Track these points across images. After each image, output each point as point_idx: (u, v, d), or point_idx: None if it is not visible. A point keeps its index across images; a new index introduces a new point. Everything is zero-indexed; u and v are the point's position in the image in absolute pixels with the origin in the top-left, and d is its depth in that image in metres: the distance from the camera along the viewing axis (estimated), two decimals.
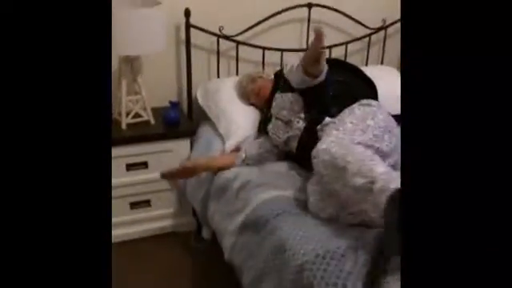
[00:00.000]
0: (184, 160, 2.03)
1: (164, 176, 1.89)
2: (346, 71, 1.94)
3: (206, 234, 2.19)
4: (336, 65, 1.89)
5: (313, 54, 1.54)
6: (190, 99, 2.28)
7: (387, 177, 1.25)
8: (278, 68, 2.32)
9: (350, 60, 2.37)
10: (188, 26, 2.14)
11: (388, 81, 2.11)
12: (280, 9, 2.29)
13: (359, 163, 1.32)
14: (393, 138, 1.58)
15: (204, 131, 2.13)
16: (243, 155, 1.84)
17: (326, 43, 1.55)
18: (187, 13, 2.11)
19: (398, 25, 2.58)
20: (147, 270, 2.01)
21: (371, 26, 2.50)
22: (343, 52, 2.49)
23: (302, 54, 2.36)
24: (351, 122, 1.57)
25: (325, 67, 1.64)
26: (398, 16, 2.48)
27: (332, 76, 1.82)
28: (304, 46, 2.43)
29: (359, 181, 1.28)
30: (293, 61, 1.80)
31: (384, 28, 2.54)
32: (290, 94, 1.81)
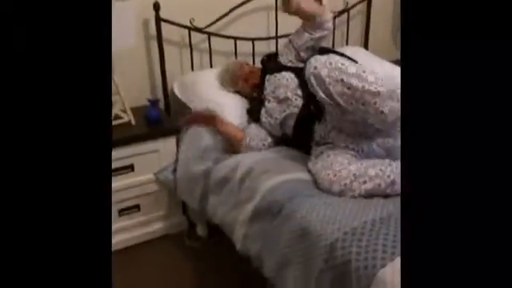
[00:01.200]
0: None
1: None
2: (328, 53, 1.97)
3: (200, 231, 2.15)
4: (320, 50, 1.92)
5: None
6: (167, 95, 2.21)
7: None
8: (250, 58, 2.34)
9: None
10: (158, 19, 2.06)
11: (360, 59, 2.15)
12: None
13: (373, 74, 1.45)
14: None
15: (188, 127, 2.07)
16: (247, 140, 1.82)
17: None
18: (156, 6, 2.04)
19: (360, 6, 2.66)
20: (145, 277, 1.93)
21: (335, 10, 2.54)
22: None
23: (272, 42, 2.40)
24: None
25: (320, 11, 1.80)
26: None
27: None
28: (273, 34, 2.43)
29: (380, 89, 1.42)
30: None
31: (347, 10, 2.60)
32: (283, 73, 1.82)
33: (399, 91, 1.43)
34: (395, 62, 2.46)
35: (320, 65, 1.44)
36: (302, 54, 1.88)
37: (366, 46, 2.74)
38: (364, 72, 1.43)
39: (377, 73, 1.53)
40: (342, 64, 1.44)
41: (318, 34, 1.87)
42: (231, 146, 1.85)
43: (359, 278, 1.17)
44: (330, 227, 1.31)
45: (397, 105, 1.44)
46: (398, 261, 1.13)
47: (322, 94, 1.46)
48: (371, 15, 2.70)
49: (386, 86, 1.44)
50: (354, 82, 1.41)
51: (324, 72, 1.43)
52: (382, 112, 1.43)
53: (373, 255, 1.17)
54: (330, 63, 1.44)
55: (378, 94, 1.41)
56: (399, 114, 1.43)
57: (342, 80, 1.42)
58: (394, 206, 1.36)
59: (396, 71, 2.32)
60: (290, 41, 1.93)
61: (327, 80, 1.43)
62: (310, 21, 1.83)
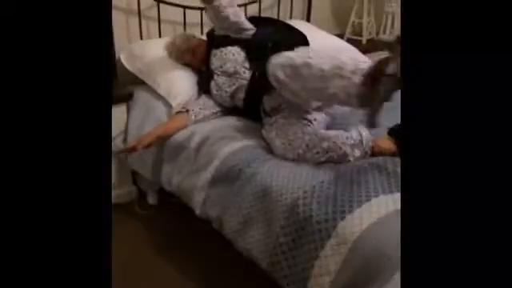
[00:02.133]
0: (134, 134, 1.96)
1: (121, 152, 1.89)
2: (275, 25, 2.04)
3: (151, 200, 2.17)
4: (262, 20, 1.97)
5: None
6: (115, 63, 2.16)
7: (354, 61, 1.35)
8: (198, 28, 2.34)
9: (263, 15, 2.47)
10: None
11: (304, 32, 2.24)
12: None
13: (320, 56, 1.41)
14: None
15: (139, 95, 2.05)
16: (193, 117, 1.83)
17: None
18: None
19: None
20: None
21: None
22: (257, 9, 2.56)
23: None
24: None
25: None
26: None
27: (263, 29, 1.91)
28: None
29: (324, 68, 1.36)
30: None
31: None
32: (230, 47, 1.85)
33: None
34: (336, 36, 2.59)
35: (275, 68, 1.49)
36: (224, 27, 1.90)
37: (308, 20, 2.83)
38: (310, 58, 1.42)
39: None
40: (290, 58, 1.46)
41: (211, 10, 1.84)
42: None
43: (320, 230, 1.26)
44: (290, 187, 1.39)
45: (342, 81, 1.36)
46: (356, 213, 1.24)
47: (290, 96, 1.54)
48: None
49: (332, 59, 1.40)
50: (304, 72, 1.42)
51: (280, 75, 1.48)
52: (334, 94, 1.40)
53: (333, 209, 1.27)
54: (282, 64, 1.47)
55: (323, 76, 1.38)
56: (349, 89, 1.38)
57: (296, 75, 1.44)
58: (346, 167, 1.47)
59: (340, 43, 2.45)
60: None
61: (286, 80, 1.48)
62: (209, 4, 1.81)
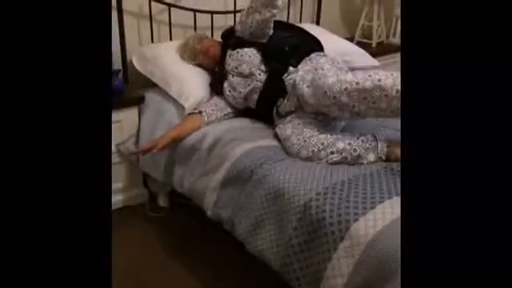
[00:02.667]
0: (147, 136, 1.96)
1: (135, 153, 1.91)
2: (290, 29, 2.05)
3: (162, 202, 2.18)
4: (277, 24, 1.98)
5: None
6: (126, 66, 2.18)
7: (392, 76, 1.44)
8: (208, 31, 2.35)
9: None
10: None
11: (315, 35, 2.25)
12: None
13: (389, 77, 1.45)
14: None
15: (151, 98, 2.06)
16: (206, 119, 1.84)
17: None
18: None
19: None
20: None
21: None
22: None
23: (230, 16, 2.42)
24: (325, 64, 1.74)
25: None
26: None
27: (279, 33, 1.92)
28: (230, 8, 2.45)
29: (367, 83, 1.44)
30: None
31: None
32: (246, 49, 1.86)
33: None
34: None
35: (338, 93, 1.49)
36: (253, 30, 1.88)
37: (317, 23, 2.84)
38: (379, 80, 1.44)
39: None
40: (357, 83, 1.47)
41: (268, 14, 1.81)
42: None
43: (333, 232, 1.26)
44: (302, 188, 1.39)
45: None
46: (369, 215, 1.24)
47: (346, 115, 1.56)
48: None
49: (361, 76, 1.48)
50: (377, 94, 1.45)
51: (344, 98, 1.49)
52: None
53: (346, 211, 1.27)
54: (346, 88, 1.48)
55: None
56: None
57: (365, 98, 1.47)
58: (359, 169, 1.47)
59: (351, 46, 2.46)
60: (240, 21, 1.91)
61: (350, 104, 1.49)
62: None
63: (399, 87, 1.42)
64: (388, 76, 1.45)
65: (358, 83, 1.46)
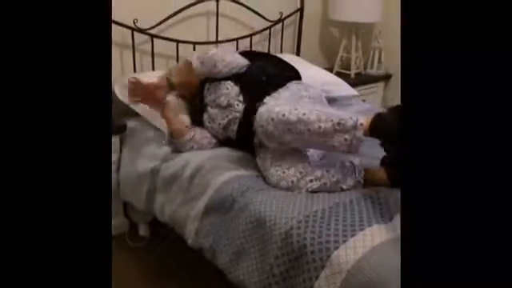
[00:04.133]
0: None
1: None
2: (266, 59, 2.09)
3: (143, 231, 2.15)
4: (253, 55, 2.02)
5: None
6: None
7: (352, 117, 1.46)
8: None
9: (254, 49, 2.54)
10: None
11: (296, 66, 2.30)
12: (189, 2, 2.33)
13: (310, 110, 1.47)
14: (323, 107, 1.73)
15: (133, 127, 2.06)
16: (192, 133, 1.85)
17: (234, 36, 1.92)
18: None
19: (293, 17, 2.82)
20: None
21: (271, 19, 2.68)
22: (248, 43, 2.63)
23: (211, 47, 2.47)
24: (288, 95, 1.76)
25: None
26: (292, 9, 2.74)
27: (256, 63, 1.96)
28: (212, 39, 2.50)
29: (323, 125, 1.44)
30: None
31: (282, 20, 2.75)
32: (223, 82, 1.88)
33: (342, 114, 1.49)
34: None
35: (265, 122, 1.50)
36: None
37: (298, 54, 2.91)
38: (304, 114, 1.47)
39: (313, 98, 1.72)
40: (283, 115, 1.48)
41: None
42: (174, 136, 1.86)
43: (314, 260, 1.27)
44: (283, 216, 1.40)
45: (347, 135, 1.45)
46: (349, 242, 1.25)
47: (275, 145, 1.56)
48: (303, 26, 2.87)
49: (328, 115, 1.47)
50: (300, 127, 1.47)
51: (270, 128, 1.49)
52: (334, 146, 1.48)
53: (326, 239, 1.28)
54: (272, 119, 1.49)
55: (323, 132, 1.45)
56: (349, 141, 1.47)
57: (290, 130, 1.48)
58: (339, 197, 1.49)
59: (330, 76, 2.52)
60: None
61: (276, 133, 1.50)
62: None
63: (322, 124, 1.45)
64: (313, 112, 1.47)
65: (283, 114, 1.48)
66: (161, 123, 1.96)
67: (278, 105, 1.54)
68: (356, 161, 1.60)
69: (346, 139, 1.45)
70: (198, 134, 1.88)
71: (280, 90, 1.83)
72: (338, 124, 1.45)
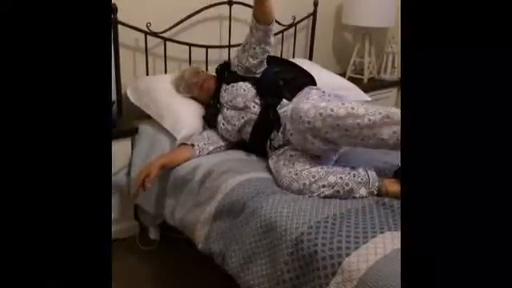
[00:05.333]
0: (139, 165, 1.93)
1: (134, 195, 1.81)
2: (283, 64, 2.09)
3: (153, 235, 2.15)
4: (272, 60, 2.02)
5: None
6: (120, 99, 2.19)
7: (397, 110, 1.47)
8: (203, 65, 2.39)
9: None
10: (115, 22, 2.06)
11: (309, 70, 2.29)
12: (202, 6, 2.34)
13: (361, 106, 1.48)
14: None
15: (144, 129, 2.07)
16: (197, 152, 1.84)
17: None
18: (114, 9, 2.04)
19: (306, 21, 2.81)
20: None
21: (284, 23, 2.67)
22: None
23: (224, 51, 2.47)
24: (316, 97, 1.76)
25: (272, 14, 1.78)
26: (305, 13, 2.73)
27: (272, 68, 1.96)
28: (225, 43, 2.50)
29: (372, 118, 1.45)
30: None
31: (294, 24, 2.74)
32: (241, 83, 1.89)
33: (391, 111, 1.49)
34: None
35: (312, 118, 1.49)
36: (249, 65, 1.91)
37: (310, 59, 2.89)
38: (352, 108, 1.47)
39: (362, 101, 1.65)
40: (332, 109, 1.47)
41: (262, 50, 1.87)
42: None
43: (325, 266, 1.25)
44: (294, 222, 1.38)
45: (395, 127, 1.46)
46: (361, 249, 1.23)
47: (318, 142, 1.54)
48: (316, 30, 2.86)
49: (376, 108, 1.48)
50: (350, 121, 1.46)
51: (318, 124, 1.48)
52: (383, 139, 1.48)
53: (338, 245, 1.26)
54: (321, 114, 1.48)
55: (372, 125, 1.46)
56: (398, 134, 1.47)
57: (338, 125, 1.47)
58: (351, 203, 1.47)
59: (343, 81, 2.51)
60: (236, 57, 1.95)
61: (323, 130, 1.49)
62: (266, 18, 1.78)
63: (372, 117, 1.46)
64: (360, 106, 1.49)
65: (332, 109, 1.48)
66: (171, 124, 1.96)
67: (319, 102, 1.55)
68: (370, 171, 1.57)
69: (394, 132, 1.45)
70: (205, 146, 1.87)
71: (299, 96, 1.83)
72: (387, 116, 1.46)
